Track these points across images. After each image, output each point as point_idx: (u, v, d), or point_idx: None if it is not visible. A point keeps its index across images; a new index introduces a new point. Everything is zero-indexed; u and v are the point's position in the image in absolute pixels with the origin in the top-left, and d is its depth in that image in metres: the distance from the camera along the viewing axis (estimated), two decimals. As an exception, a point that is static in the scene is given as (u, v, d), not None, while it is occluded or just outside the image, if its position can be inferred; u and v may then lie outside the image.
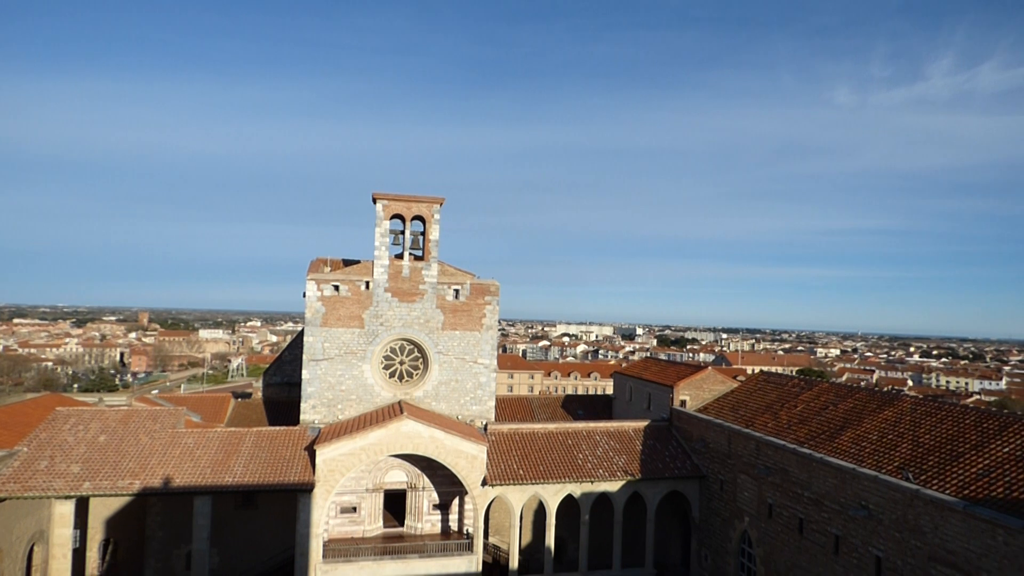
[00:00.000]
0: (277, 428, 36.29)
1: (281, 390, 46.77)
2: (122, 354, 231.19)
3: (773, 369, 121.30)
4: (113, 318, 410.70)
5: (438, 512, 37.86)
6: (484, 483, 34.79)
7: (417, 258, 39.11)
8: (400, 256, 38.74)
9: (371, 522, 36.83)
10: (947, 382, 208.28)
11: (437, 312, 38.62)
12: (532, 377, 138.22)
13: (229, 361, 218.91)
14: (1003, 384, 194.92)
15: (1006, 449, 24.90)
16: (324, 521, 33.74)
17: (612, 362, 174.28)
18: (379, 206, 38.08)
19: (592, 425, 41.16)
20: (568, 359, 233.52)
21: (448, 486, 37.23)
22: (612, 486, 36.76)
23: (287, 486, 32.15)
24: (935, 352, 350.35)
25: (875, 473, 25.91)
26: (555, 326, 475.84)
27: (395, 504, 38.08)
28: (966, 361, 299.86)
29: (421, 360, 38.84)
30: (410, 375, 38.79)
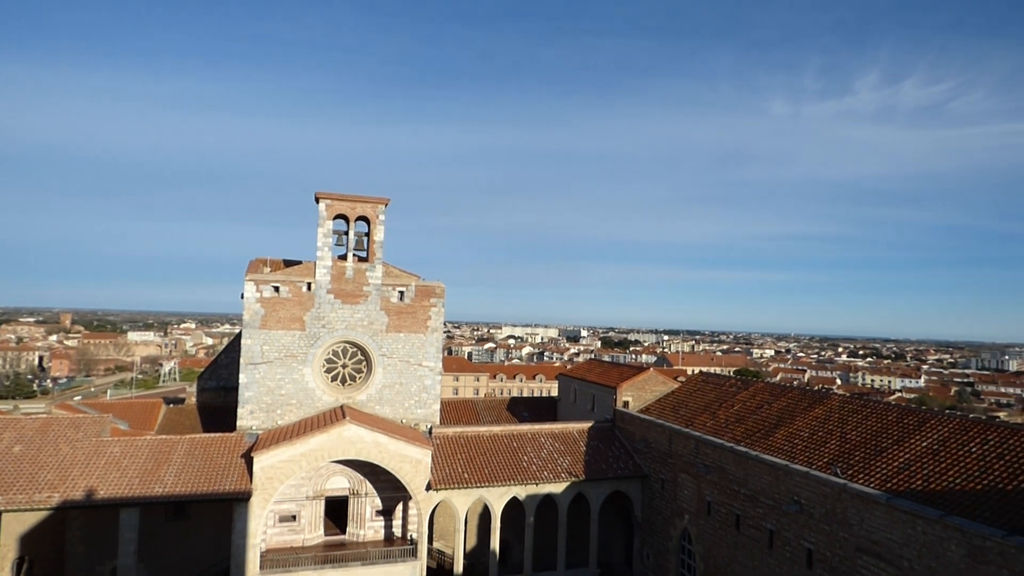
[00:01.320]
0: (212, 435, 34.90)
1: (217, 395, 45.04)
2: (41, 358, 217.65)
3: (712, 370, 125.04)
4: (31, 319, 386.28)
5: (381, 518, 37.22)
6: (429, 487, 34.43)
7: (361, 259, 38.40)
8: (344, 257, 37.94)
9: (311, 530, 35.87)
10: (872, 380, 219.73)
11: (381, 314, 38.02)
12: (478, 380, 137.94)
13: (160, 365, 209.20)
14: (922, 382, 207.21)
15: (924, 443, 26.40)
16: (262, 531, 32.64)
17: (557, 364, 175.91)
18: (322, 206, 37.21)
19: (537, 427, 41.37)
20: (514, 361, 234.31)
21: (392, 491, 36.65)
22: (557, 487, 37.02)
23: (222, 495, 30.93)
24: (861, 352, 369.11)
25: (806, 469, 26.99)
26: (501, 328, 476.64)
27: (337, 511, 37.21)
28: (889, 360, 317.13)
29: (365, 363, 38.13)
30: (353, 378, 38.03)
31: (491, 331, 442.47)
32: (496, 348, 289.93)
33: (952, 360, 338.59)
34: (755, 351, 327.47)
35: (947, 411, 40.97)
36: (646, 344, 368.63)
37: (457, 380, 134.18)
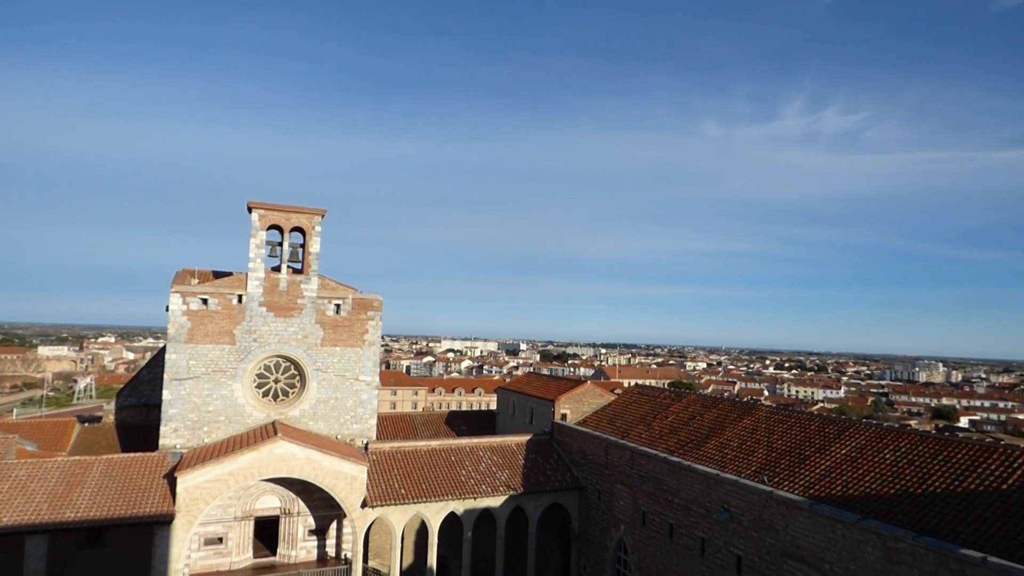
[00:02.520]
0: (132, 455, 33.01)
1: (138, 413, 42.68)
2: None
3: (647, 382, 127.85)
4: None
5: (314, 538, 36.05)
6: (364, 504, 33.63)
7: (296, 271, 37.42)
8: (277, 269, 36.87)
9: (239, 553, 34.34)
10: (797, 392, 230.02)
11: (317, 328, 37.09)
12: (416, 393, 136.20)
13: (75, 381, 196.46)
14: (842, 392, 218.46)
15: (844, 451, 27.81)
16: (185, 555, 30.99)
17: (496, 377, 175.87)
18: (255, 216, 36.11)
19: (475, 441, 41.18)
20: (453, 375, 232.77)
21: (326, 510, 35.61)
22: (495, 501, 36.88)
23: (142, 518, 29.24)
24: (787, 364, 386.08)
25: (736, 478, 27.93)
26: (440, 342, 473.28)
27: (267, 532, 35.79)
28: (812, 372, 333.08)
29: (298, 378, 37.04)
30: (286, 394, 36.86)
31: (430, 344, 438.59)
32: (435, 362, 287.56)
33: (869, 372, 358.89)
34: (688, 364, 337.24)
35: (864, 420, 43.36)
36: (584, 357, 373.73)
37: (395, 394, 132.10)
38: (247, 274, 35.91)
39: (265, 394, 36.33)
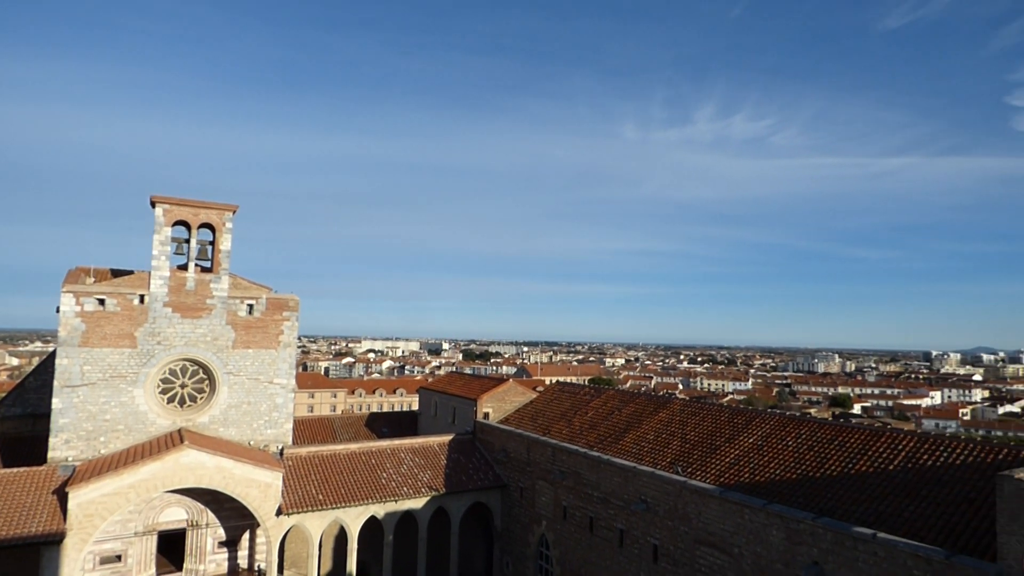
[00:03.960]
0: (16, 470, 30.21)
1: (23, 423, 39.13)
2: None
3: (568, 379, 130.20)
4: None
5: (225, 550, 34.30)
6: (279, 512, 32.35)
7: (205, 270, 35.47)
8: (184, 267, 34.83)
9: (140, 571, 32.17)
10: (709, 385, 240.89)
11: (227, 329, 35.31)
12: (335, 396, 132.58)
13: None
14: (749, 384, 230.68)
15: (751, 440, 29.33)
16: (79, 576, 28.72)
17: (418, 377, 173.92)
18: (159, 210, 33.94)
19: (397, 442, 40.52)
20: (373, 376, 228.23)
21: (238, 520, 33.98)
22: (417, 503, 36.42)
23: (26, 539, 26.83)
24: (700, 359, 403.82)
25: (652, 469, 28.87)
26: (360, 342, 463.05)
27: (173, 546, 33.73)
28: (723, 366, 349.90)
29: (208, 382, 35.14)
30: (194, 399, 34.88)
31: (350, 345, 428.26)
32: (355, 363, 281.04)
33: (774, 364, 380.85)
34: (608, 360, 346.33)
35: (769, 410, 45.92)
36: (507, 356, 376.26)
37: (312, 397, 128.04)
38: (150, 272, 33.72)
39: (171, 400, 34.24)
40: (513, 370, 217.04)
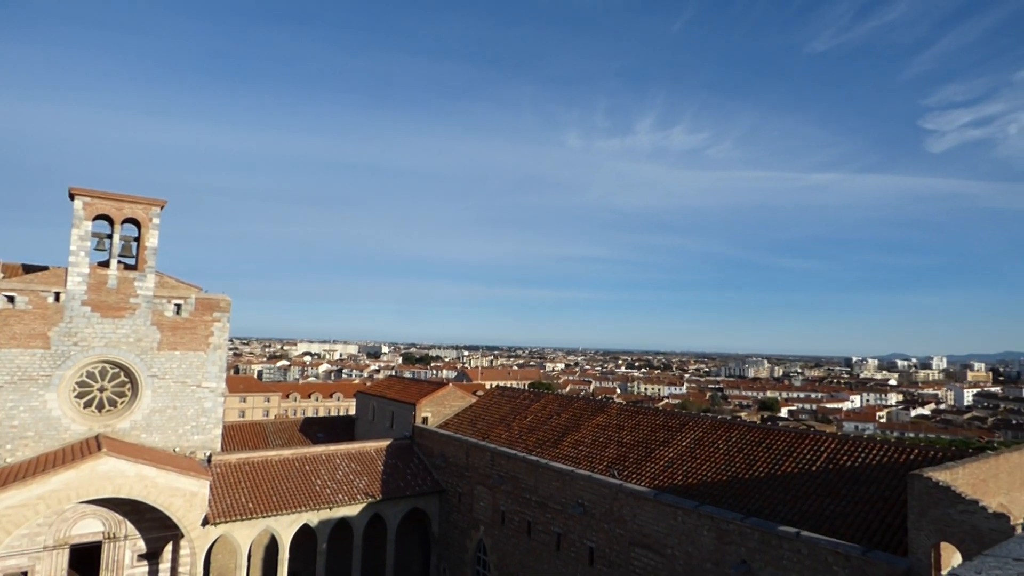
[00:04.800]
0: (-92, 481, 27.80)
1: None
2: None
3: (508, 383, 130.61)
4: None
5: (145, 563, 32.53)
6: (206, 522, 30.96)
7: (129, 267, 33.68)
8: (106, 264, 32.96)
9: (51, 586, 30.13)
10: (645, 389, 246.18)
11: (152, 330, 33.61)
12: (268, 400, 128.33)
13: None
14: (684, 389, 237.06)
15: (684, 443, 30.10)
16: (-21, 595, 26.66)
17: (357, 381, 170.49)
18: (78, 203, 32.02)
19: (332, 448, 39.53)
20: (310, 380, 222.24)
21: (160, 530, 32.30)
22: (352, 510, 35.60)
23: (-79, 556, 24.70)
24: (637, 364, 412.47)
25: (589, 473, 29.20)
26: (296, 345, 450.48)
27: (86, 561, 31.75)
28: (659, 371, 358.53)
29: (130, 385, 33.33)
30: (114, 404, 33.00)
31: (285, 348, 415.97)
32: (290, 366, 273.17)
33: (707, 369, 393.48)
34: (548, 365, 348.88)
35: (702, 414, 47.29)
36: (447, 360, 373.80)
37: (244, 401, 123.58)
38: (67, 269, 31.75)
39: (88, 405, 32.29)
40: (453, 374, 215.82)
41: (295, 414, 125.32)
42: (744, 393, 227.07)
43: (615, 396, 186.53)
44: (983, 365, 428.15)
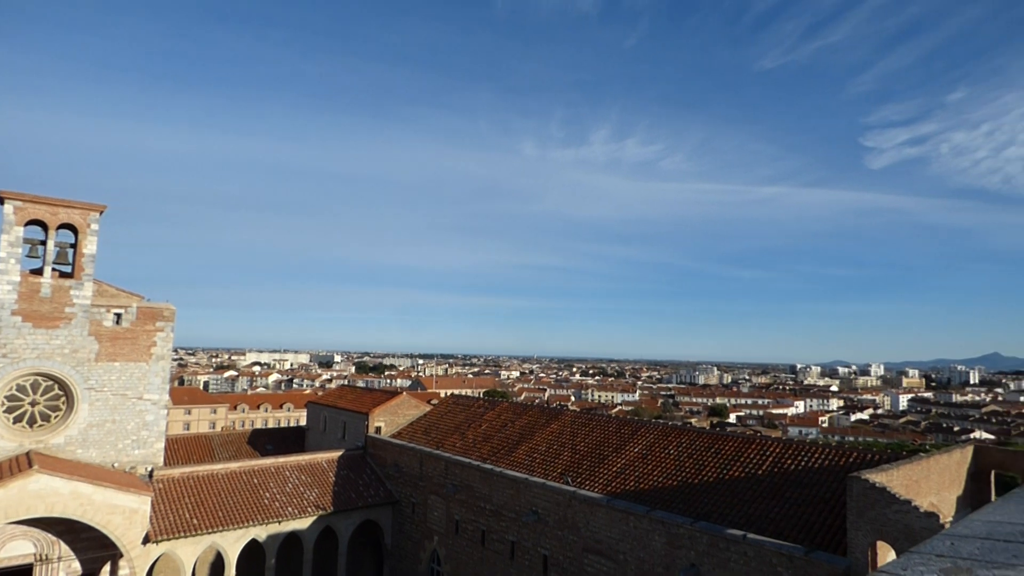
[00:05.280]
0: None
1: None
2: None
3: (463, 392, 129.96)
4: None
5: (80, 584, 31.00)
6: (147, 540, 29.72)
7: (64, 275, 32.21)
8: (39, 271, 31.44)
9: (-25, 613, 28.39)
10: (599, 396, 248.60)
11: (90, 340, 32.20)
12: (214, 412, 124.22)
13: None
14: (637, 396, 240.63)
15: (636, 449, 30.57)
16: None
17: (308, 391, 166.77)
18: (8, 208, 30.50)
19: (282, 460, 38.55)
20: (259, 390, 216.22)
21: (98, 550, 30.82)
22: (302, 523, 34.76)
23: None
24: (591, 371, 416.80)
25: (543, 480, 29.34)
26: (245, 354, 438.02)
27: (15, 584, 30.03)
28: (612, 378, 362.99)
29: (64, 399, 31.79)
30: (47, 418, 31.41)
31: (233, 358, 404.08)
32: (239, 376, 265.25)
33: (659, 376, 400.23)
34: (503, 373, 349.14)
35: (654, 420, 48.13)
36: (401, 368, 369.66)
37: (189, 414, 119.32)
38: (-4, 277, 30.13)
39: (18, 419, 30.64)
40: (407, 383, 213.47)
41: (243, 426, 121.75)
42: (694, 400, 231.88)
43: (570, 403, 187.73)
44: (917, 372, 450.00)
